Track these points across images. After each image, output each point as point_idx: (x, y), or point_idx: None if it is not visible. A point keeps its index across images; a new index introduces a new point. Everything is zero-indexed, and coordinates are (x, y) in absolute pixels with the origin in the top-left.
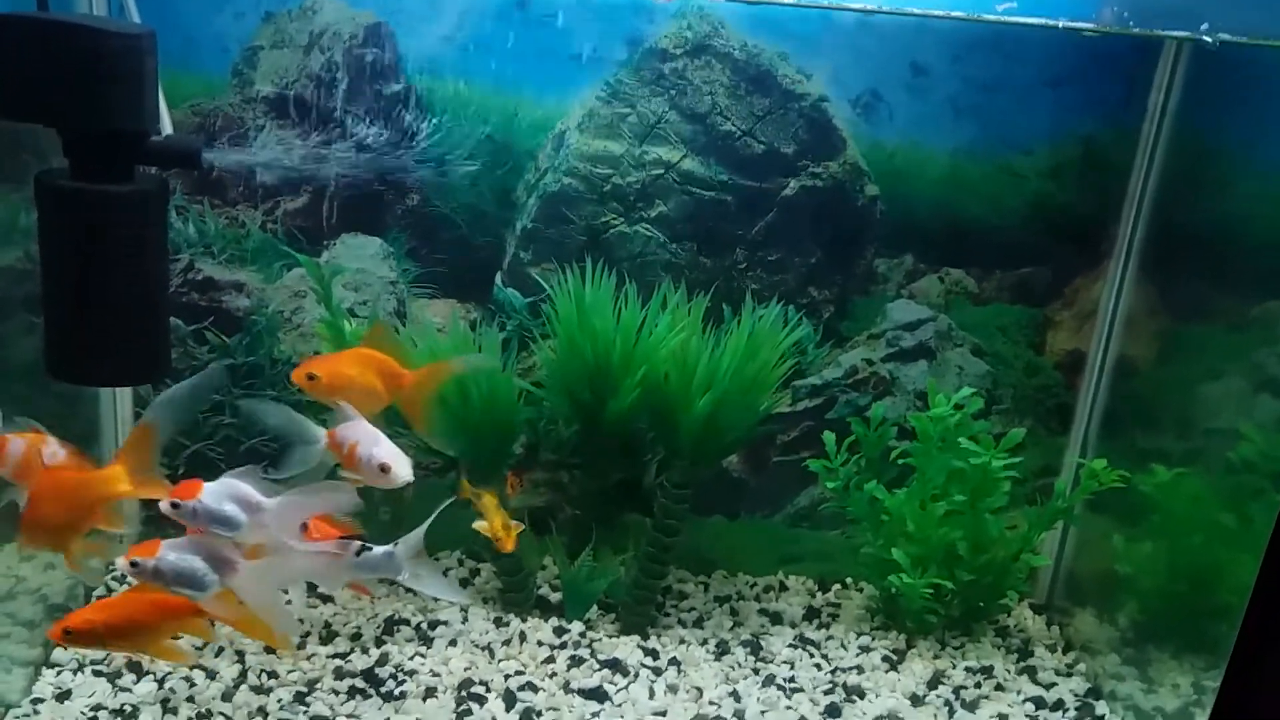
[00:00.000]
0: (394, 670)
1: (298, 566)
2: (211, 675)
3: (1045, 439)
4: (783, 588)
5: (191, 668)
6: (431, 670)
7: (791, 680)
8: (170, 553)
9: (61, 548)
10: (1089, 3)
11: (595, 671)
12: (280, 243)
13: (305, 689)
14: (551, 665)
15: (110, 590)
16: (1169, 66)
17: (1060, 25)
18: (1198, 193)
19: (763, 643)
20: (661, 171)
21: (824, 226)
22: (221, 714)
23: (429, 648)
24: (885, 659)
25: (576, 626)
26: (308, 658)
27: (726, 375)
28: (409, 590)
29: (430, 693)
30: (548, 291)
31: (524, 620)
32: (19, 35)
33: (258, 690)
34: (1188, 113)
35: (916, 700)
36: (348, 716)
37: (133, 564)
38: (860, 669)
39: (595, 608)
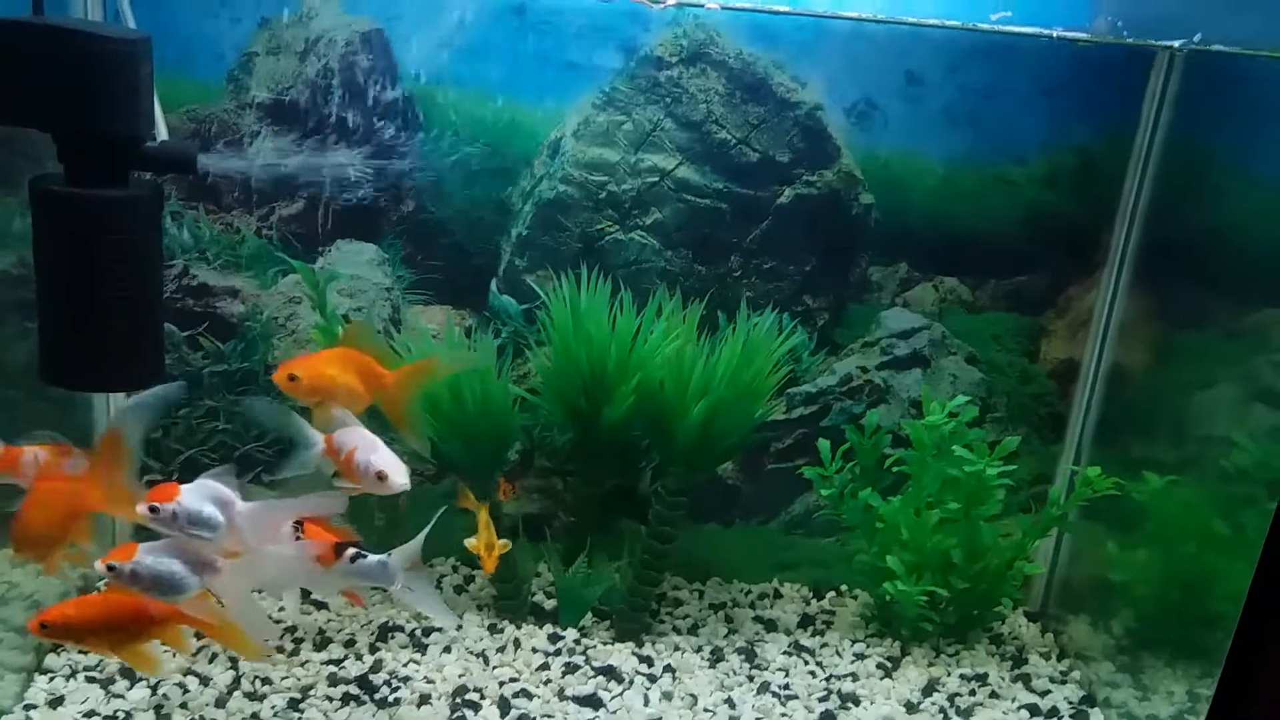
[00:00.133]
0: (388, 677)
1: (279, 570)
2: (205, 681)
3: (1039, 447)
4: (777, 595)
5: (185, 674)
6: (426, 677)
7: (786, 687)
8: (147, 557)
9: (43, 558)
10: (1083, 12)
11: (590, 679)
12: (275, 248)
13: (299, 695)
14: (546, 672)
15: None
16: (1162, 76)
17: (1054, 35)
18: (1191, 202)
19: (757, 650)
20: (657, 179)
21: (819, 234)
22: None
23: (423, 654)
24: (880, 666)
25: (571, 633)
26: (302, 664)
27: (721, 383)
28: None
29: (424, 699)
30: (543, 298)
31: (518, 627)
32: (14, 39)
33: (251, 697)
34: (1181, 122)
35: (911, 707)
36: None
37: (109, 568)
38: (855, 676)
39: (590, 615)
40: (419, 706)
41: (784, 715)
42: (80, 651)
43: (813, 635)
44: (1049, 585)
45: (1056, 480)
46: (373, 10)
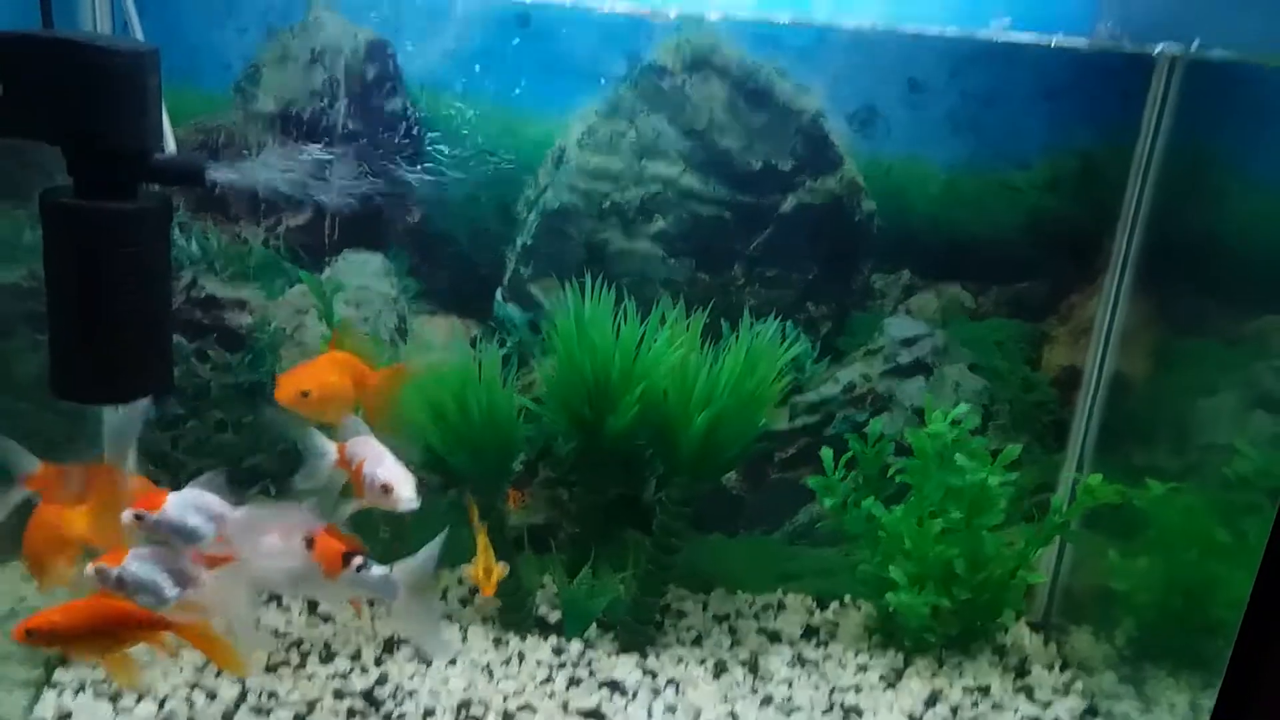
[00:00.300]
0: (393, 690)
1: (284, 577)
2: (211, 696)
3: (1041, 455)
4: (781, 606)
5: (191, 688)
6: (430, 690)
7: (789, 700)
8: (134, 562)
9: (39, 576)
10: (1084, 18)
11: (594, 692)
12: (283, 259)
13: (305, 709)
14: (550, 685)
15: None
16: (1163, 80)
17: (1053, 44)
18: (1192, 207)
19: (761, 661)
20: (660, 187)
21: (821, 242)
22: None
23: (428, 667)
24: (883, 678)
25: (575, 645)
26: (308, 677)
27: (725, 391)
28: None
29: (429, 713)
30: (547, 307)
31: (523, 639)
32: (24, 53)
33: (258, 711)
34: (1182, 127)
35: (914, 719)
36: None
37: (97, 571)
38: (858, 688)
39: (594, 626)
40: (424, 719)
41: None
42: (89, 665)
43: (816, 646)
44: (1051, 594)
45: (1058, 489)
46: (378, 20)
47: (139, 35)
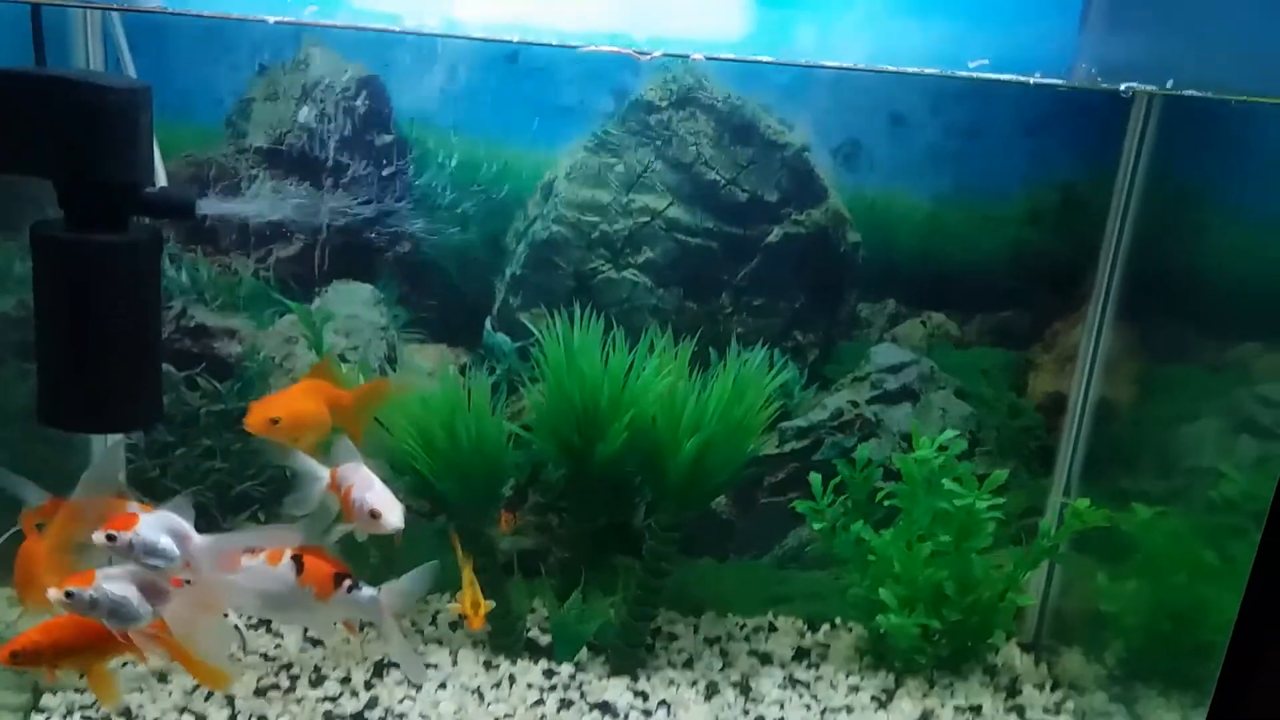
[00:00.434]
0: (384, 713)
1: (271, 601)
2: None
3: (1029, 480)
4: (772, 628)
5: (181, 712)
6: (421, 713)
7: None
8: (105, 584)
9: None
10: (1063, 58)
11: (585, 715)
12: (272, 290)
13: None
14: (541, 708)
15: None
16: (1142, 114)
17: (1032, 81)
18: (1172, 238)
19: (752, 683)
20: (648, 219)
21: (807, 272)
22: None
23: (418, 690)
24: (874, 699)
25: (566, 669)
26: (298, 701)
27: (713, 418)
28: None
29: None
30: (536, 336)
31: (513, 663)
32: (17, 89)
33: None
34: (1161, 160)
35: None
36: None
37: (67, 594)
38: (850, 709)
39: (585, 650)
40: None
41: None
42: (76, 690)
43: (807, 668)
44: (1041, 616)
45: (1047, 512)
46: (369, 56)
47: (131, 72)
